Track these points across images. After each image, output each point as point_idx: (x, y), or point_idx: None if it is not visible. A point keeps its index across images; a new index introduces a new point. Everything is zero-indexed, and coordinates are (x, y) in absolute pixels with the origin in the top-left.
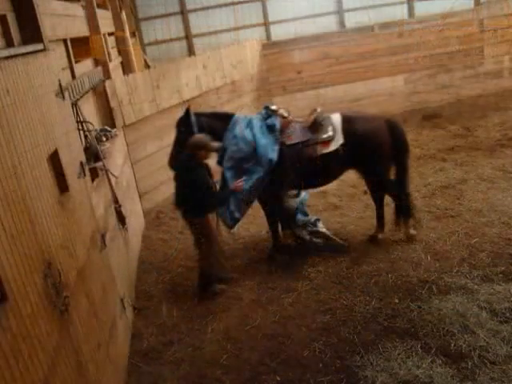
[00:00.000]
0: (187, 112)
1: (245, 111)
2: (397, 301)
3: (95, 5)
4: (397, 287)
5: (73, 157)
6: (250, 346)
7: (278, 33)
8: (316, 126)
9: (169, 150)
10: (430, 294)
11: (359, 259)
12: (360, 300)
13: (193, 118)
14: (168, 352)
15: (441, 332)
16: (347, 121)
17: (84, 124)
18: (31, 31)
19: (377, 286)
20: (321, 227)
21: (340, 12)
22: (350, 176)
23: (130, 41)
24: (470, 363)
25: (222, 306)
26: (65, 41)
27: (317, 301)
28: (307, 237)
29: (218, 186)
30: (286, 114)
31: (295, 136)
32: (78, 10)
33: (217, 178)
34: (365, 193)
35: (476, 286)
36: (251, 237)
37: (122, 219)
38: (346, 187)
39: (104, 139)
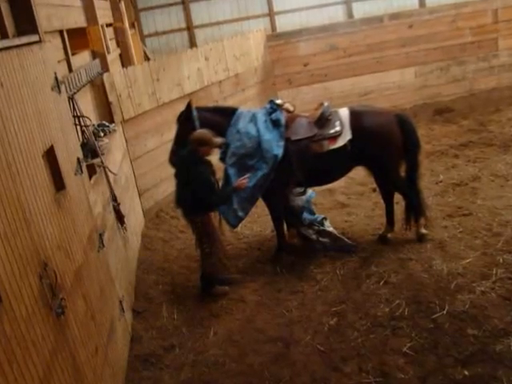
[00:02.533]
0: (188, 106)
1: (249, 105)
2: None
3: None
4: (407, 289)
5: (69, 153)
6: (254, 350)
7: (284, 24)
8: (323, 120)
9: (169, 146)
10: (441, 295)
11: (368, 259)
12: (369, 302)
13: (194, 113)
14: (169, 356)
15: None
16: (355, 115)
17: (81, 119)
18: (26, 22)
19: (386, 288)
20: (328, 226)
21: (348, 2)
22: (359, 173)
23: (129, 32)
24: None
25: (225, 309)
26: (61, 32)
27: (324, 303)
28: (314, 236)
29: (220, 184)
30: (291, 109)
31: (301, 131)
32: (75, 0)
33: (219, 175)
34: (374, 190)
35: (489, 288)
36: (255, 236)
37: (120, 218)
38: (354, 185)
39: (102, 135)
